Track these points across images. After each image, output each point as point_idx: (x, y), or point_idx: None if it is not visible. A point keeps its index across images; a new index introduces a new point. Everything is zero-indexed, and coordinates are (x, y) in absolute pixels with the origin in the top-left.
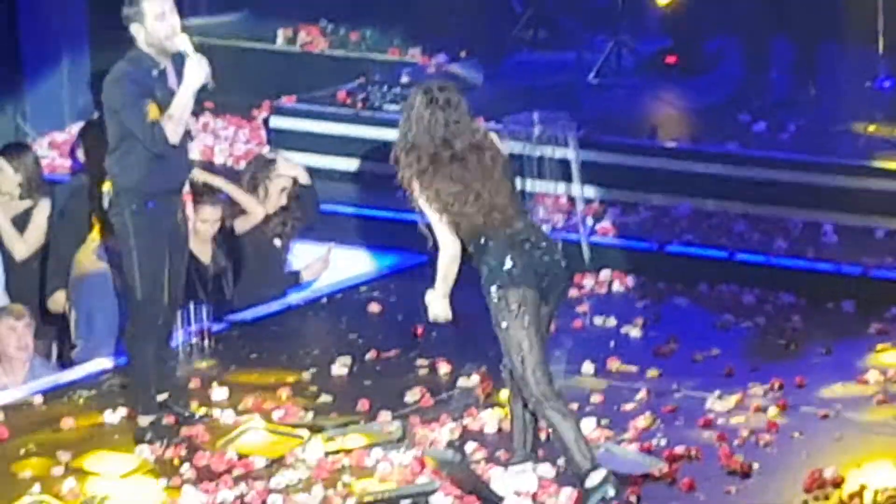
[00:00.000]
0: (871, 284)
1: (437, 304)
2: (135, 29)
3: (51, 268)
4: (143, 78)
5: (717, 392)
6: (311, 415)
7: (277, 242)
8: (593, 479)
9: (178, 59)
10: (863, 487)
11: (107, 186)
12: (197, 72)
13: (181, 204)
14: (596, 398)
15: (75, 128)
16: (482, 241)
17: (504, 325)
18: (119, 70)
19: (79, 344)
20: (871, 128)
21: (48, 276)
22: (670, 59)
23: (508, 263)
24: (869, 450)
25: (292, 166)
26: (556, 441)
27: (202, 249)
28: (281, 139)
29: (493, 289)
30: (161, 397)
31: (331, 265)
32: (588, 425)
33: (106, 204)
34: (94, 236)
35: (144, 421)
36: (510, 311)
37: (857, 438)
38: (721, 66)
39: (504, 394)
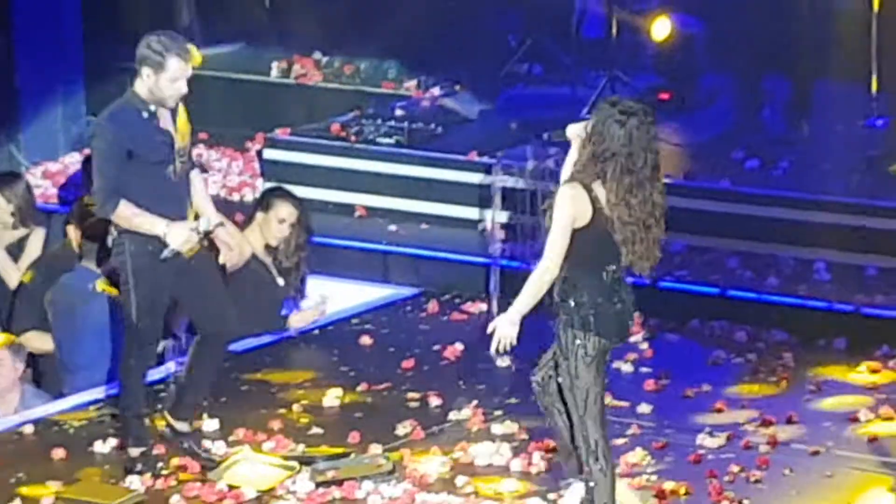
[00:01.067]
0: (863, 322)
1: (507, 328)
2: (145, 72)
3: (21, 307)
4: (132, 120)
5: (708, 428)
6: (301, 447)
7: (280, 281)
8: None
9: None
10: None
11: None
12: (179, 236)
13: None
14: None
15: (68, 158)
16: (587, 276)
17: (574, 368)
18: (108, 113)
19: (71, 373)
20: None
21: (16, 316)
22: (664, 96)
23: (601, 310)
24: (859, 487)
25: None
26: (589, 495)
27: None
28: (275, 171)
29: (577, 331)
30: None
31: (325, 315)
32: None
33: (109, 242)
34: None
35: (135, 452)
36: (585, 358)
37: (847, 476)
38: (715, 103)
39: (497, 428)
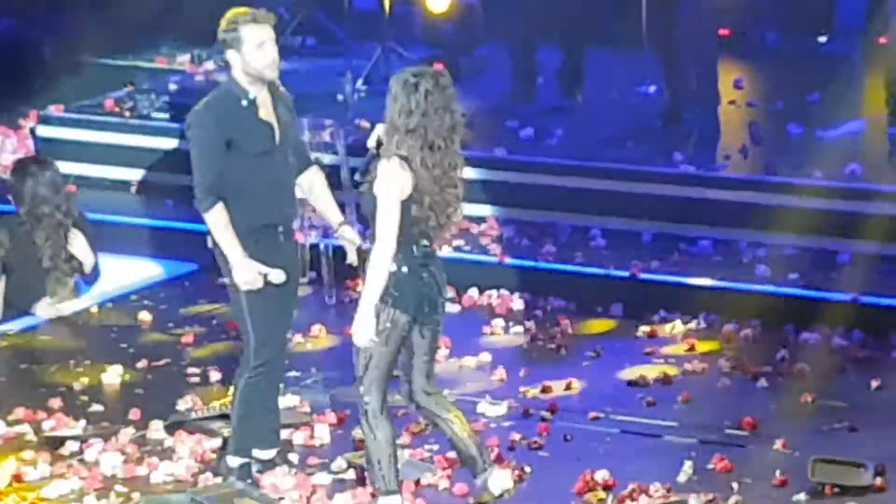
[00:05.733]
0: (639, 287)
1: (366, 326)
2: (230, 56)
3: None
4: (231, 108)
5: (488, 397)
6: (82, 424)
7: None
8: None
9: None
10: (634, 489)
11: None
12: (244, 275)
13: (294, 239)
14: None
15: None
16: (401, 248)
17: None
18: (206, 102)
19: None
20: None
21: None
22: (438, 66)
23: (403, 283)
24: (639, 451)
25: None
26: (367, 454)
27: None
28: (49, 148)
29: (380, 302)
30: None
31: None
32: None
33: (210, 244)
34: None
35: (234, 462)
36: (378, 325)
37: (627, 440)
38: (489, 73)
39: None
